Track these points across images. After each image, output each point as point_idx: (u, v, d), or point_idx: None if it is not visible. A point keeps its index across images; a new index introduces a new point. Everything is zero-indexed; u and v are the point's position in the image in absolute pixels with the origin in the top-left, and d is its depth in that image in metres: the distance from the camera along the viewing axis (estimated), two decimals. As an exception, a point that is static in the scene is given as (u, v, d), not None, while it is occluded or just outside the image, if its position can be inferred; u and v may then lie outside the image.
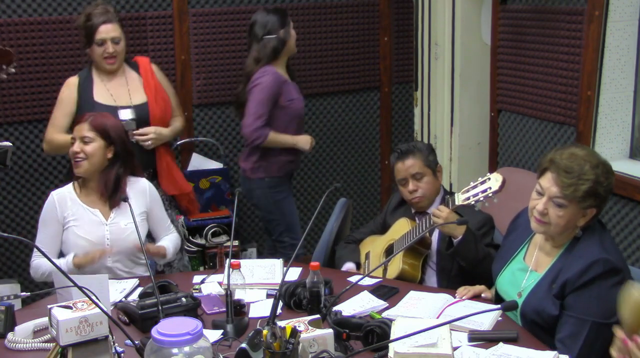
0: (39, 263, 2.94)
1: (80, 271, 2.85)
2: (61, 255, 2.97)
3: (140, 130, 3.51)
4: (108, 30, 3.43)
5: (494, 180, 2.60)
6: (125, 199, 2.89)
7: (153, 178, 3.60)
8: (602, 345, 2.30)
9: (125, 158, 3.02)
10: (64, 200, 2.96)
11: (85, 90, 3.53)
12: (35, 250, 2.98)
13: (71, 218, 2.94)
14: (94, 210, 2.97)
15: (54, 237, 2.95)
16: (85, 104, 3.50)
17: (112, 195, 2.97)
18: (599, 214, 2.42)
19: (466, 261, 2.82)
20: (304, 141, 3.84)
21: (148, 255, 2.85)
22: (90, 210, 2.96)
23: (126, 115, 3.51)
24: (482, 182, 2.66)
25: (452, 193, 2.88)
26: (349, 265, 3.15)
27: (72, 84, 3.55)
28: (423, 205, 3.08)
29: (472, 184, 2.70)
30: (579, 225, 2.40)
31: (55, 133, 3.52)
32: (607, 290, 2.28)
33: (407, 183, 3.04)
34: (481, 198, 2.63)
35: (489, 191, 2.60)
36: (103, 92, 3.54)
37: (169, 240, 3.13)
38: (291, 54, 3.85)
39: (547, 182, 2.39)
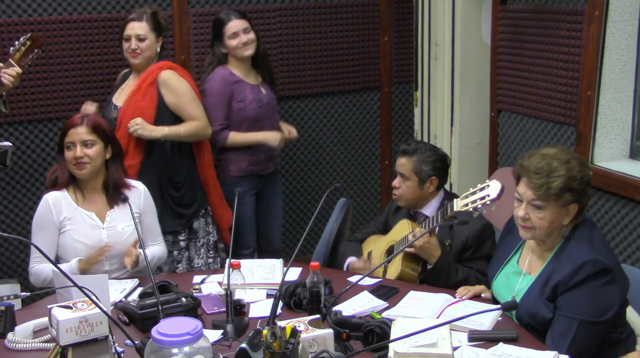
0: (39, 270, 2.92)
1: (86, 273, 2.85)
2: (57, 259, 2.94)
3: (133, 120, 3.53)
4: (135, 28, 3.57)
5: (493, 188, 2.59)
6: (126, 199, 2.89)
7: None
8: (593, 344, 2.32)
9: (120, 157, 3.06)
10: (59, 203, 2.93)
11: (117, 86, 3.74)
12: (32, 256, 2.96)
13: (67, 222, 2.93)
14: (90, 213, 2.95)
15: (50, 241, 2.92)
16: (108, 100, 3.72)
17: (112, 195, 2.98)
18: (583, 210, 2.42)
19: (437, 286, 2.85)
20: (272, 137, 3.85)
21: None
22: (86, 214, 2.95)
23: (114, 113, 3.60)
24: (481, 189, 2.64)
25: (452, 197, 2.88)
26: (351, 259, 3.16)
27: (120, 74, 3.82)
28: (400, 204, 3.13)
29: (471, 190, 2.70)
30: (565, 223, 2.40)
31: None
32: (597, 290, 2.30)
33: (395, 177, 3.11)
34: (479, 206, 2.62)
35: (487, 198, 2.60)
36: (122, 90, 3.68)
37: (150, 251, 3.06)
38: (246, 56, 3.81)
39: (522, 187, 2.41)
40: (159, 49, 3.65)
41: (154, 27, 3.60)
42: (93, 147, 2.91)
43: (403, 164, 3.06)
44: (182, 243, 3.72)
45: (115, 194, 2.98)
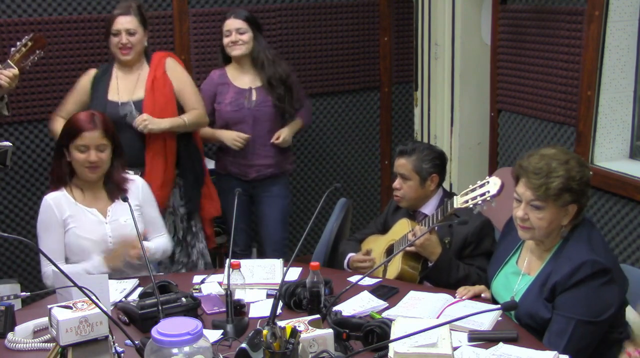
0: (48, 272, 2.89)
1: (116, 270, 2.88)
2: (66, 259, 2.93)
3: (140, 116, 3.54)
4: (123, 22, 3.52)
5: (493, 184, 2.60)
6: (126, 199, 2.89)
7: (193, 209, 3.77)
8: (590, 343, 2.32)
9: (121, 152, 3.06)
10: (60, 203, 2.93)
11: (100, 84, 3.60)
12: (43, 259, 2.92)
13: (71, 220, 2.93)
14: (92, 209, 2.96)
15: (58, 241, 2.91)
16: (97, 99, 3.57)
17: (112, 190, 3.00)
18: (582, 210, 2.42)
19: (438, 284, 2.86)
20: (226, 136, 3.84)
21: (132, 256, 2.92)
22: (88, 210, 2.95)
23: (126, 109, 3.56)
24: (481, 186, 2.65)
25: (451, 196, 2.88)
26: (350, 255, 3.17)
27: (89, 75, 3.65)
28: (402, 205, 3.13)
29: (471, 187, 2.71)
30: (563, 224, 2.40)
31: (61, 118, 3.59)
32: (595, 290, 2.30)
33: (395, 179, 3.11)
34: (479, 202, 2.63)
35: (487, 195, 2.60)
36: (114, 88, 3.60)
37: (155, 243, 3.09)
38: (234, 56, 3.82)
39: (521, 187, 2.41)
40: (146, 43, 3.64)
41: (141, 20, 3.58)
42: (105, 151, 2.94)
43: (403, 164, 3.06)
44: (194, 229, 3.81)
45: (114, 189, 3.00)
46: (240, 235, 4.02)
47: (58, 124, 3.53)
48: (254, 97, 3.84)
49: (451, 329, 2.11)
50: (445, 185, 3.19)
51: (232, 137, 3.81)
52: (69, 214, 2.93)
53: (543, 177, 2.35)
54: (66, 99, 3.67)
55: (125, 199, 2.90)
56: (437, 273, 2.87)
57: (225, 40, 3.79)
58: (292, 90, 3.91)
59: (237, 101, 3.82)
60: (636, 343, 2.00)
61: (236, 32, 3.76)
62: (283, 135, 3.86)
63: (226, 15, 3.84)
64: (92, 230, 2.92)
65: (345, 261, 3.17)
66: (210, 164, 4.44)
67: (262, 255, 4.06)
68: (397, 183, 3.09)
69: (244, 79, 3.86)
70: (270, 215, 3.97)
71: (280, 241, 4.04)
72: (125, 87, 3.60)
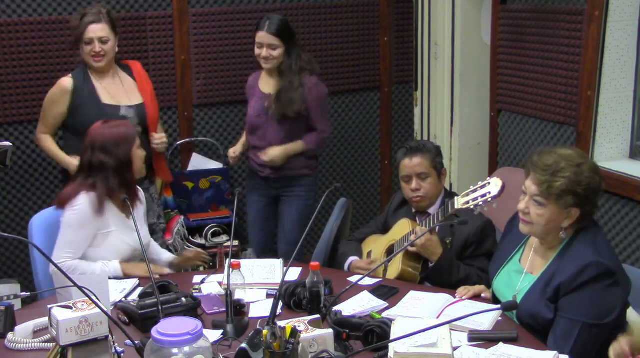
0: (73, 265, 2.85)
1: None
2: (85, 257, 2.91)
3: (158, 135, 3.68)
4: (95, 30, 3.48)
5: (494, 185, 2.60)
6: (125, 199, 2.90)
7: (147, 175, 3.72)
8: (595, 346, 2.32)
9: None
10: (101, 203, 2.91)
11: (84, 91, 3.53)
12: (59, 253, 2.87)
13: (112, 224, 2.92)
14: (122, 215, 2.98)
15: (87, 239, 2.89)
16: (90, 104, 3.52)
17: (133, 197, 3.03)
18: (586, 216, 2.41)
19: (439, 285, 2.85)
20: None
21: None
22: (120, 216, 2.97)
23: (130, 113, 3.58)
24: (482, 187, 2.65)
25: (452, 196, 2.88)
26: (353, 259, 3.16)
27: (66, 87, 3.53)
28: (423, 205, 3.08)
29: (472, 188, 2.70)
30: (563, 226, 2.40)
31: (46, 134, 3.64)
32: (599, 292, 2.29)
33: (411, 181, 3.03)
34: (480, 203, 2.62)
35: (488, 196, 2.60)
36: (104, 92, 3.57)
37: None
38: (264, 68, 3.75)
39: (529, 181, 2.43)
40: (117, 49, 3.62)
41: (112, 27, 3.55)
42: None
43: (420, 162, 3.01)
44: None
45: (134, 195, 3.02)
46: (257, 238, 4.00)
47: (49, 142, 3.62)
48: (273, 106, 3.69)
49: (451, 329, 2.12)
50: (446, 185, 3.19)
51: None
52: (109, 217, 2.92)
53: (548, 175, 2.35)
54: (44, 115, 3.60)
55: (125, 199, 2.91)
56: (438, 274, 2.86)
57: (257, 51, 3.66)
58: (291, 103, 3.66)
59: (258, 107, 3.74)
60: (634, 345, 2.00)
61: (268, 48, 3.63)
62: (270, 152, 3.71)
63: (259, 23, 3.67)
64: (131, 235, 2.93)
65: (347, 265, 3.16)
66: (212, 164, 4.46)
67: (275, 254, 3.95)
68: (415, 184, 3.01)
69: (269, 84, 3.75)
70: (288, 214, 3.87)
71: (296, 242, 3.94)
72: (116, 92, 3.59)
